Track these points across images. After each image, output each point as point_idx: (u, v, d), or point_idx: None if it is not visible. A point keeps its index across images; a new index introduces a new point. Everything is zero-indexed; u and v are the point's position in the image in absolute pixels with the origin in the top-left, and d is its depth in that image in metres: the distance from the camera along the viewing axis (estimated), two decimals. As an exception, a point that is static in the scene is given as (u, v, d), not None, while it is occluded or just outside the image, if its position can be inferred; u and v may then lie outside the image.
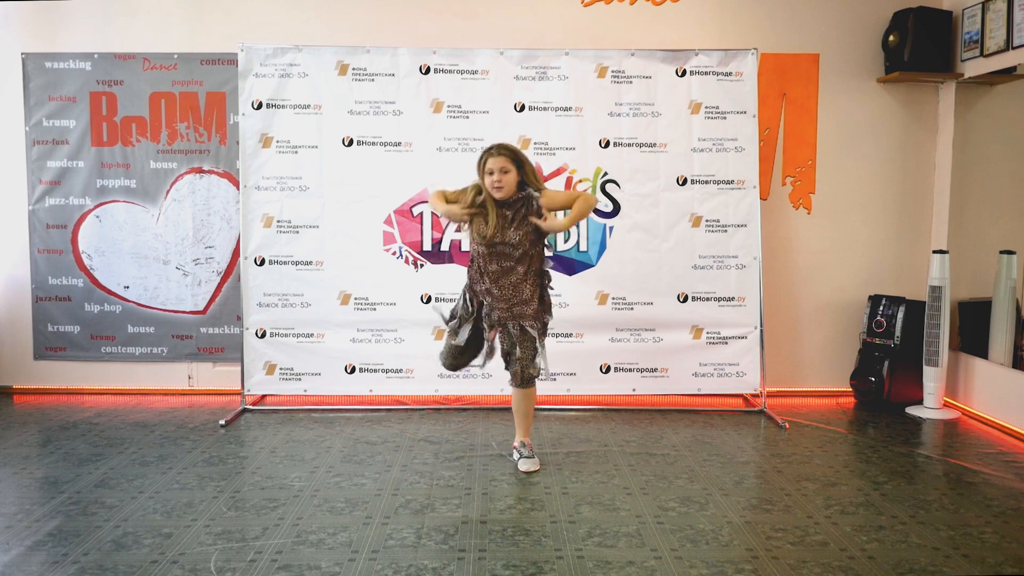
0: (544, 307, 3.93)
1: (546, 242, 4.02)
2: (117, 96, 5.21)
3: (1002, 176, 5.12)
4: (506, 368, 3.97)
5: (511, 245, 3.76)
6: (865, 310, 5.23)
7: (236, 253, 5.20)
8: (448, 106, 4.98)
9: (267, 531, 3.18)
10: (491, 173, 3.70)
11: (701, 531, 3.19)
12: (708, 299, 5.03)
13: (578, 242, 5.02)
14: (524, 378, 3.88)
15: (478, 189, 3.80)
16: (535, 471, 3.88)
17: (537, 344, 3.87)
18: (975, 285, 5.11)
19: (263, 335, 5.01)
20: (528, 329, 3.84)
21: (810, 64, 5.26)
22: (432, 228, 4.99)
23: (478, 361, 4.02)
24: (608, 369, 5.03)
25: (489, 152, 3.74)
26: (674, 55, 4.99)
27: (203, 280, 5.31)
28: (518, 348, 3.86)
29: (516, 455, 3.99)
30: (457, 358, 4.02)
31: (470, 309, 3.91)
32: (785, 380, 5.36)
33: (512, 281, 3.80)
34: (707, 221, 5.02)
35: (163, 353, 5.35)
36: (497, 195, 3.72)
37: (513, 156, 3.73)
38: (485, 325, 3.92)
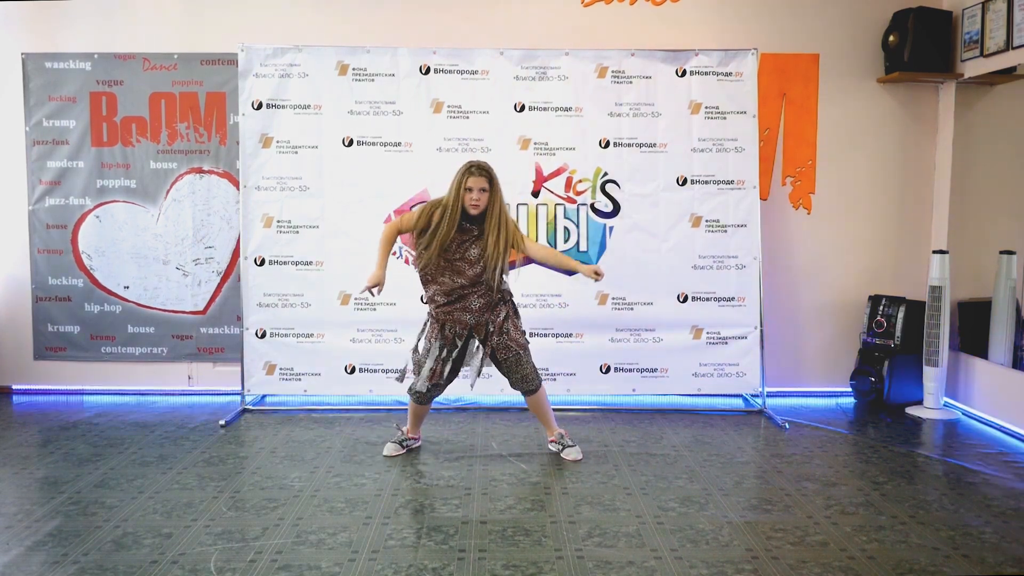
0: (512, 319, 4.01)
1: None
2: (117, 96, 5.21)
3: (1002, 176, 5.12)
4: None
5: (469, 262, 3.87)
6: (865, 310, 5.22)
7: (236, 253, 5.20)
8: (448, 106, 4.98)
9: (267, 531, 3.18)
10: (470, 190, 3.80)
11: (701, 531, 3.19)
12: (708, 299, 5.03)
13: (578, 242, 5.01)
14: (526, 390, 4.06)
15: (436, 207, 3.86)
16: (580, 459, 4.05)
17: (522, 355, 3.97)
18: (975, 285, 5.11)
19: (263, 335, 5.01)
20: (504, 347, 3.93)
21: (810, 64, 5.26)
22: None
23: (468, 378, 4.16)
24: (608, 369, 5.03)
25: (470, 171, 3.82)
26: (674, 55, 4.99)
27: (203, 280, 5.31)
28: (505, 369, 4.00)
29: (559, 447, 4.10)
30: (437, 382, 4.00)
31: (441, 338, 3.96)
32: (785, 380, 5.36)
33: (461, 292, 3.88)
34: (707, 221, 5.02)
35: (163, 353, 5.35)
36: (473, 212, 3.82)
37: (490, 178, 3.84)
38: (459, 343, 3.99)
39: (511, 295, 4.06)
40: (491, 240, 3.83)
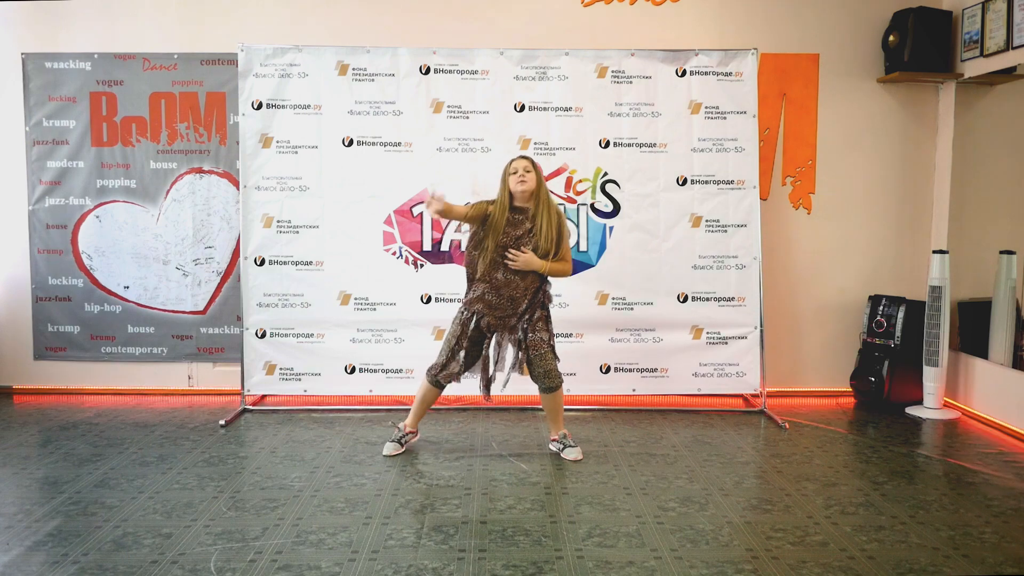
0: (546, 320, 4.12)
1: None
2: (117, 96, 5.21)
3: (1002, 176, 5.12)
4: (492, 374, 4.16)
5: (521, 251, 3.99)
6: (865, 310, 5.22)
7: (236, 253, 5.20)
8: (448, 106, 4.98)
9: (267, 531, 3.18)
10: (515, 172, 3.97)
11: (701, 531, 3.19)
12: (708, 299, 5.03)
13: (578, 242, 5.01)
14: (547, 387, 4.07)
15: (490, 202, 4.04)
16: (580, 459, 4.05)
17: (549, 351, 4.04)
18: (975, 285, 5.11)
19: (263, 335, 5.01)
20: (537, 343, 4.02)
21: (810, 64, 5.26)
22: (432, 228, 4.99)
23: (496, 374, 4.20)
24: (608, 369, 5.03)
25: (513, 159, 4.07)
26: (674, 55, 4.99)
27: (203, 280, 5.31)
28: (532, 359, 4.04)
29: (559, 446, 4.12)
30: (460, 363, 4.09)
31: (468, 331, 4.06)
32: (785, 380, 5.36)
33: (512, 294, 4.00)
34: (707, 221, 5.02)
35: (163, 353, 5.35)
36: (521, 187, 3.95)
37: (533, 163, 4.05)
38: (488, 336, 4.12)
39: (550, 301, 4.15)
40: (544, 220, 3.98)
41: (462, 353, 4.04)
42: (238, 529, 3.20)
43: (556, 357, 4.06)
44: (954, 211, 5.16)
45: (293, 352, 5.01)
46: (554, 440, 4.17)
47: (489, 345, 4.11)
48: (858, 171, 5.33)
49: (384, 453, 4.13)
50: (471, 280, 4.08)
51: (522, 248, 3.96)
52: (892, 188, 5.35)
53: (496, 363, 4.13)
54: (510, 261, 3.95)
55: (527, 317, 4.04)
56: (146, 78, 5.20)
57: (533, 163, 4.03)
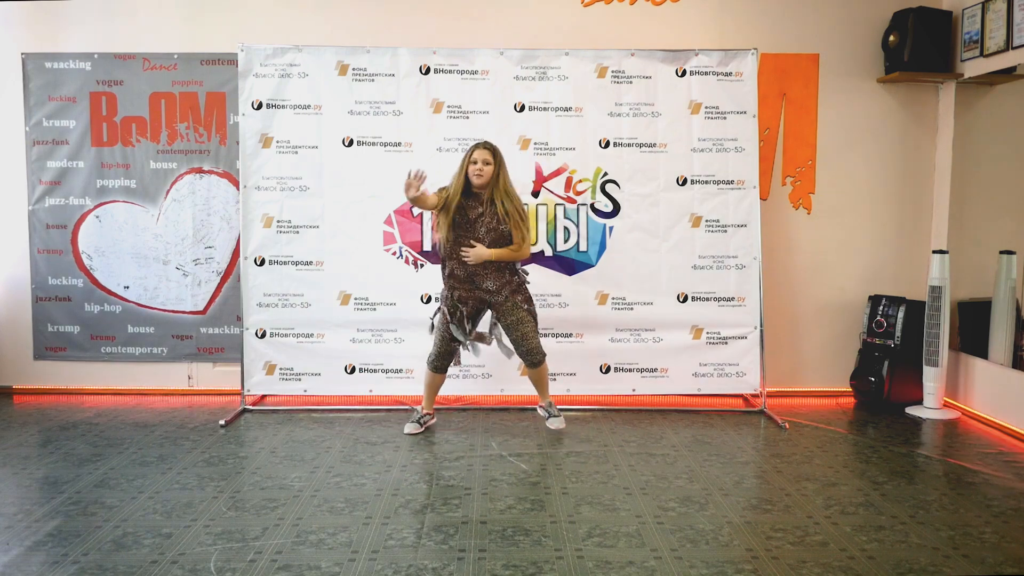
0: (523, 296, 4.40)
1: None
2: (117, 96, 5.21)
3: (1002, 176, 5.12)
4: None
5: (479, 239, 4.23)
6: (865, 310, 5.22)
7: (236, 253, 5.20)
8: (448, 106, 4.98)
9: (267, 531, 3.18)
10: (475, 162, 4.18)
11: (701, 531, 3.19)
12: (708, 299, 5.03)
13: (578, 242, 5.02)
14: (531, 362, 4.41)
15: (445, 191, 4.31)
16: (563, 428, 4.43)
17: (527, 327, 4.33)
18: (975, 285, 5.11)
19: (263, 335, 5.01)
20: (520, 311, 4.31)
21: (810, 64, 5.26)
22: (432, 228, 4.99)
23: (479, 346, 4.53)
24: (608, 369, 5.03)
25: (475, 146, 4.27)
26: (674, 55, 4.99)
27: (203, 280, 5.31)
28: (516, 336, 4.35)
29: (544, 413, 4.41)
30: (450, 343, 4.42)
31: (453, 312, 4.36)
32: (785, 380, 5.36)
33: (474, 270, 4.25)
34: (707, 221, 5.02)
35: (163, 353, 5.35)
36: (476, 181, 4.20)
37: (494, 153, 4.25)
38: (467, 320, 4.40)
39: (525, 284, 4.40)
40: (499, 205, 4.20)
41: (449, 335, 4.35)
42: (238, 529, 3.20)
43: (537, 334, 4.34)
44: (954, 211, 5.16)
45: (293, 352, 5.01)
46: (540, 406, 4.45)
47: (474, 321, 4.39)
48: (858, 171, 5.33)
49: (405, 431, 4.41)
50: (443, 260, 4.33)
51: (472, 242, 4.20)
52: (892, 188, 5.35)
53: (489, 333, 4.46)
54: (464, 257, 4.19)
55: (502, 296, 4.27)
56: (146, 78, 5.20)
57: (494, 153, 4.23)
